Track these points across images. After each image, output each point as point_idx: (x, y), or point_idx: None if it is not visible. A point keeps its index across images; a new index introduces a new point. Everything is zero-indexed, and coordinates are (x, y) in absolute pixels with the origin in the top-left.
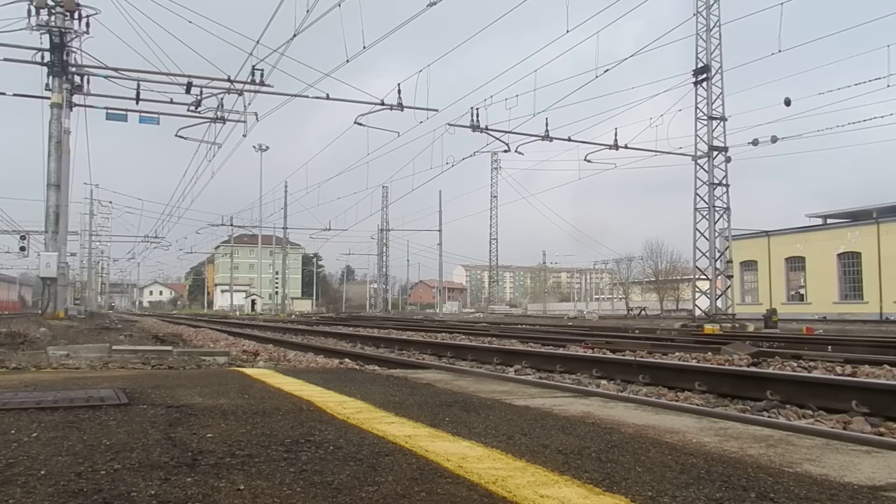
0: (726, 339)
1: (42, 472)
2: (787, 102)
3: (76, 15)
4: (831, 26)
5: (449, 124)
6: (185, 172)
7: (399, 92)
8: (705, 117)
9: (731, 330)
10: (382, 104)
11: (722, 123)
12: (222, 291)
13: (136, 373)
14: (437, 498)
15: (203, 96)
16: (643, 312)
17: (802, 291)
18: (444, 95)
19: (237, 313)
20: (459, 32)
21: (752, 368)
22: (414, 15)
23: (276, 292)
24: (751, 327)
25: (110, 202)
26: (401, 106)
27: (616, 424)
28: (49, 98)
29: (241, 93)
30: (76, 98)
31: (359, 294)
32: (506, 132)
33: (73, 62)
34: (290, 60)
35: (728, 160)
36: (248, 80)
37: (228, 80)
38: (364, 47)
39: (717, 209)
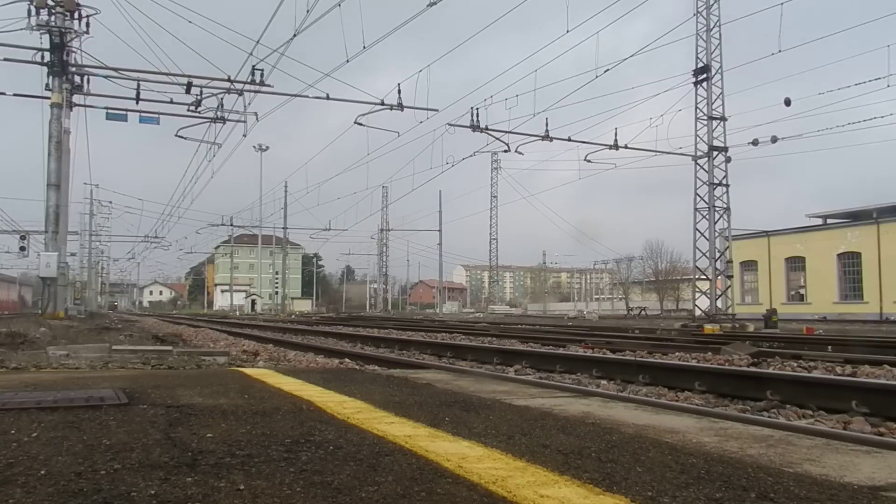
0: (726, 340)
1: (42, 472)
2: (787, 102)
3: (76, 15)
4: (831, 26)
5: (449, 124)
6: (185, 172)
7: (399, 92)
8: (705, 117)
9: (731, 330)
10: (382, 104)
11: (722, 123)
12: (222, 291)
13: (136, 373)
14: (437, 498)
15: (203, 96)
16: (643, 312)
17: (802, 291)
18: (444, 95)
19: (237, 313)
20: (460, 32)
21: (752, 368)
22: (414, 15)
23: (276, 292)
24: (751, 327)
25: (110, 202)
26: (401, 106)
27: (616, 424)
28: (49, 98)
29: (241, 93)
30: (76, 98)
31: (359, 294)
32: (506, 132)
33: (73, 62)
34: (290, 60)
35: (728, 160)
36: (248, 80)
37: (228, 80)
38: (364, 47)
39: (717, 209)
